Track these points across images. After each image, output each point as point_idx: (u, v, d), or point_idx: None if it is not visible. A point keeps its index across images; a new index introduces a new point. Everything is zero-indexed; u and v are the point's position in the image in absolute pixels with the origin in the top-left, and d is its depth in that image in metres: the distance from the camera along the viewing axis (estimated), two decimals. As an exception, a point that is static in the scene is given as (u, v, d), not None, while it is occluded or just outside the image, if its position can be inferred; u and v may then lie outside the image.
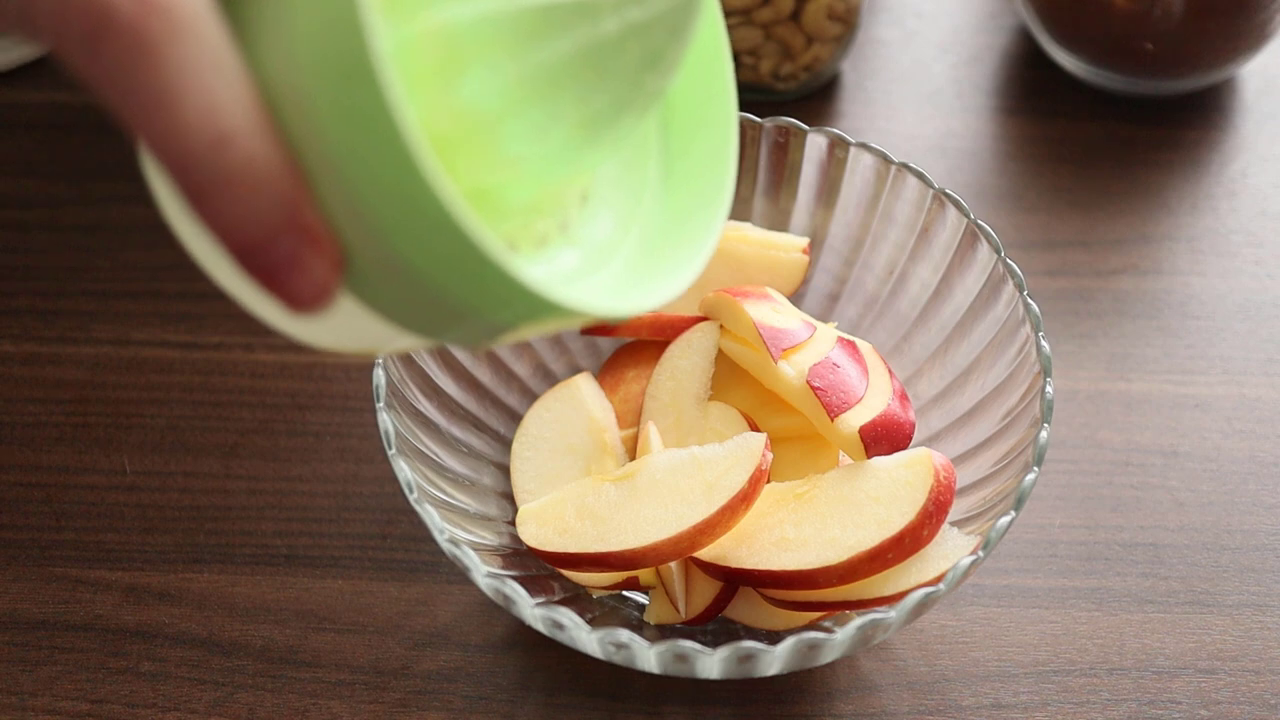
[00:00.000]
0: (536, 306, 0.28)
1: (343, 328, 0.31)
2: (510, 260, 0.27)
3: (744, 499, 0.43)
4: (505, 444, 0.52)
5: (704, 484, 0.44)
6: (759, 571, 0.44)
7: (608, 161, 0.34)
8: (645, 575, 0.47)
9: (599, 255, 0.33)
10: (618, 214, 0.34)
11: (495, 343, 0.31)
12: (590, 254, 0.33)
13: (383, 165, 0.25)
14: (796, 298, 0.55)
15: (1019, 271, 0.48)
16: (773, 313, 0.49)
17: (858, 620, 0.40)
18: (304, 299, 0.27)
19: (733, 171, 0.35)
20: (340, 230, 0.27)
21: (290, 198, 0.26)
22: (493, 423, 0.52)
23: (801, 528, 0.44)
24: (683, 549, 0.43)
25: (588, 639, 0.40)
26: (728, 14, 0.64)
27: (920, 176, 0.51)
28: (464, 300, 0.27)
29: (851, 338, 0.50)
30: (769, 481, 0.46)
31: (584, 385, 0.51)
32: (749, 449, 0.44)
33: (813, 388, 0.46)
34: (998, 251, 0.48)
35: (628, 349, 0.54)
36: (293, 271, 0.27)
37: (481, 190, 0.29)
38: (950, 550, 0.44)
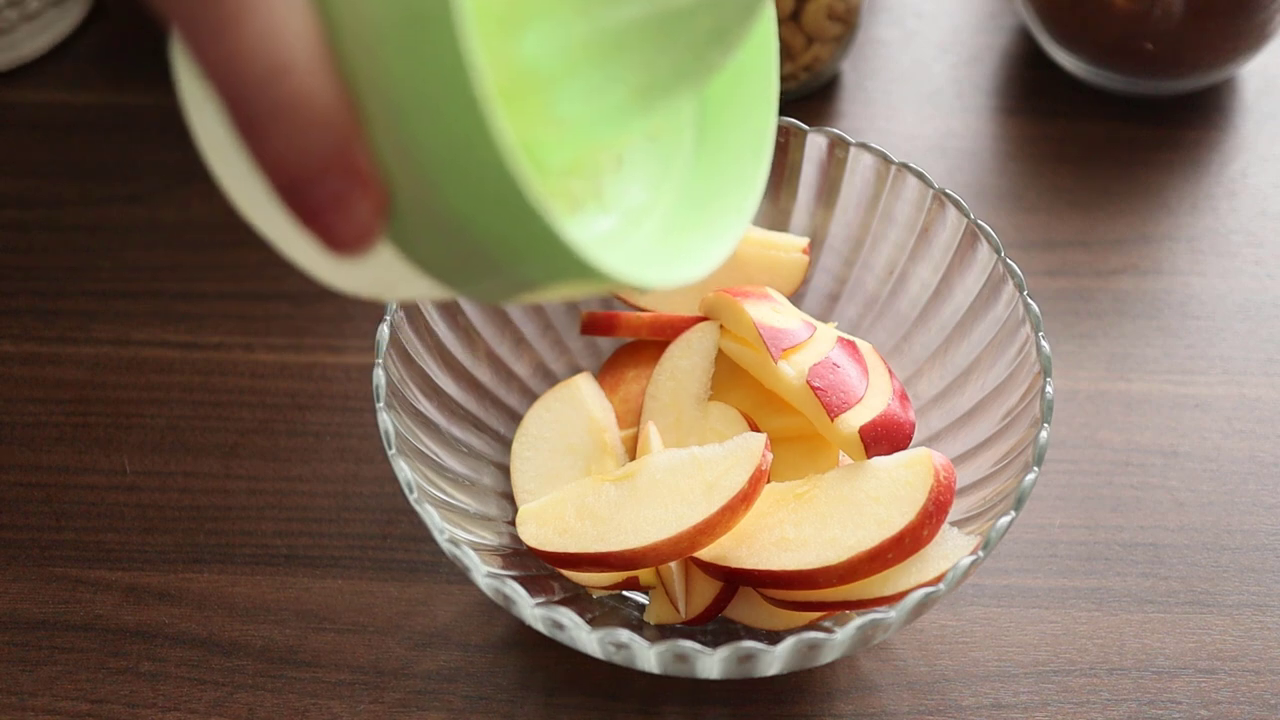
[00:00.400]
0: (572, 267, 0.27)
1: (371, 272, 0.30)
2: (556, 217, 0.26)
3: (744, 499, 0.43)
4: (505, 444, 0.52)
5: (704, 484, 0.44)
6: (759, 571, 0.44)
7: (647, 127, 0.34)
8: (645, 575, 0.47)
9: (629, 222, 0.33)
10: (649, 182, 0.34)
11: (516, 300, 0.31)
12: (622, 220, 0.33)
13: (445, 109, 0.25)
14: (796, 298, 0.55)
15: (1019, 271, 0.48)
16: (773, 313, 0.49)
17: (858, 620, 0.40)
18: (344, 241, 0.27)
19: (769, 155, 0.35)
20: (388, 174, 0.27)
21: (342, 136, 0.26)
22: (493, 423, 0.52)
23: (801, 528, 0.44)
24: (683, 549, 0.43)
25: (588, 639, 0.40)
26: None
27: (920, 176, 0.51)
28: (501, 254, 0.27)
29: (851, 338, 0.50)
30: (769, 481, 0.46)
31: (584, 385, 0.51)
32: (749, 449, 0.44)
33: (813, 388, 0.46)
34: (998, 251, 0.48)
35: (628, 349, 0.54)
36: (336, 212, 0.27)
37: (524, 145, 0.29)
38: (950, 550, 0.44)
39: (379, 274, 0.30)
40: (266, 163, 0.26)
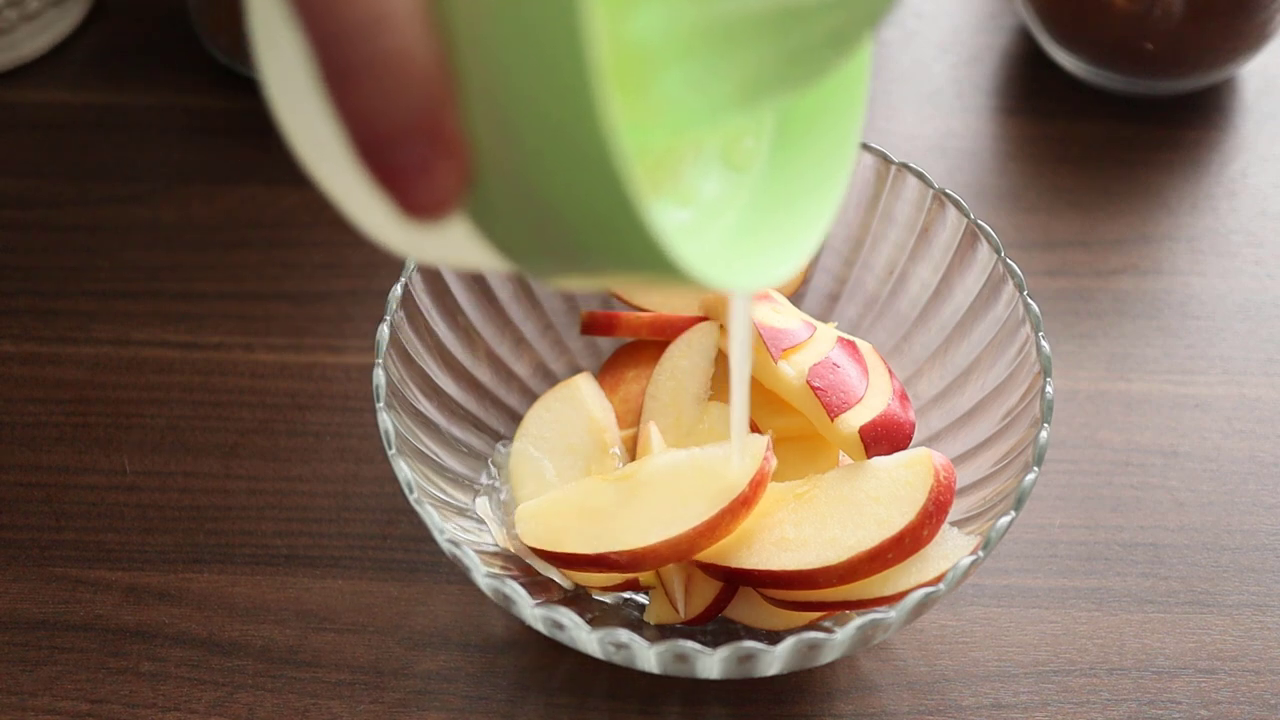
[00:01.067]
0: (652, 259, 0.26)
1: (436, 239, 0.29)
2: (648, 207, 0.25)
3: (745, 502, 0.43)
4: (505, 444, 0.52)
5: (705, 486, 0.44)
6: (759, 571, 0.44)
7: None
8: (645, 575, 0.47)
9: (706, 217, 0.32)
10: (725, 177, 0.33)
11: (577, 282, 0.30)
12: (698, 214, 0.32)
13: (552, 80, 0.23)
14: (796, 298, 0.55)
15: (1019, 271, 0.48)
16: (773, 313, 0.49)
17: (858, 620, 0.40)
18: (421, 206, 0.26)
19: (852, 164, 0.33)
20: (476, 143, 0.26)
21: (436, 97, 0.25)
22: (493, 423, 0.52)
23: (801, 528, 0.44)
24: (682, 551, 0.43)
25: (588, 639, 0.40)
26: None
27: (920, 176, 0.51)
28: (580, 236, 0.26)
29: (851, 338, 0.50)
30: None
31: (584, 385, 0.51)
32: (751, 451, 0.44)
33: (813, 388, 0.46)
34: (998, 251, 0.48)
35: (628, 349, 0.54)
36: (419, 176, 0.26)
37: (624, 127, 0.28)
38: (950, 550, 0.44)
39: (443, 242, 0.29)
40: (352, 117, 0.25)
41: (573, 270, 0.28)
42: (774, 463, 0.44)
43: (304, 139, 0.30)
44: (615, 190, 0.24)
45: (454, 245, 0.29)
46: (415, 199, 0.26)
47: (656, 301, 0.53)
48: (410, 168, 0.25)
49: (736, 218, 0.33)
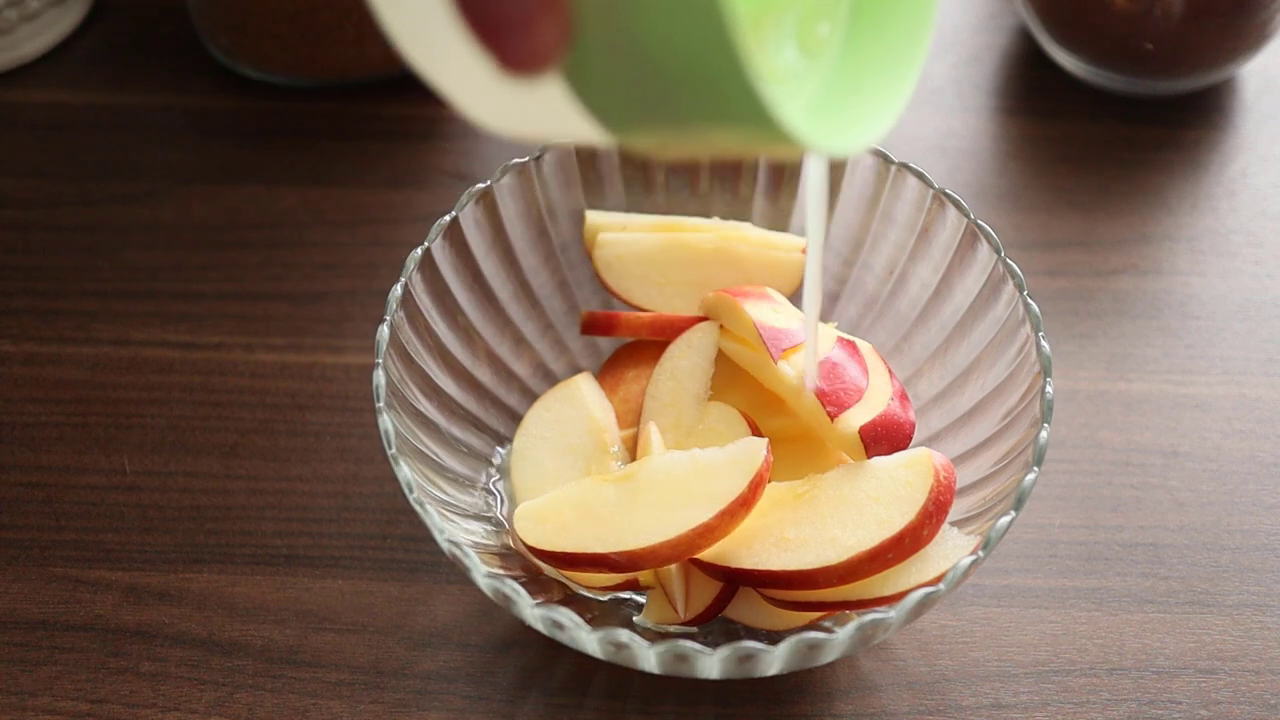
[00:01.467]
0: (753, 113, 0.26)
1: (524, 102, 0.29)
2: (753, 56, 0.25)
3: (743, 504, 0.43)
4: (505, 444, 0.52)
5: (704, 487, 0.44)
6: (759, 571, 0.44)
7: None
8: (644, 576, 0.47)
9: (787, 85, 0.32)
10: (802, 46, 0.33)
11: (667, 143, 0.29)
12: (789, 78, 0.32)
13: None
14: (797, 298, 0.55)
15: (1019, 271, 0.48)
16: (773, 313, 0.49)
17: (858, 620, 0.40)
18: (521, 61, 0.26)
19: (930, 35, 0.33)
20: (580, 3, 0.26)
21: None
22: (493, 423, 0.52)
23: (801, 528, 0.44)
24: (681, 552, 0.43)
25: (588, 639, 0.40)
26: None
27: (920, 176, 0.51)
28: (680, 89, 0.26)
29: (851, 338, 0.50)
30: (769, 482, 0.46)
31: (584, 385, 0.51)
32: (750, 454, 0.44)
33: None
34: (998, 251, 0.48)
35: (628, 349, 0.54)
36: (520, 28, 0.26)
37: None
38: (950, 550, 0.44)
39: (537, 106, 0.29)
40: None
41: (667, 126, 0.28)
42: (770, 463, 0.44)
43: (398, 7, 0.30)
44: (721, 36, 0.24)
45: (547, 109, 0.29)
46: (515, 53, 0.26)
47: (656, 302, 0.53)
48: (512, 20, 0.26)
49: (822, 86, 0.33)
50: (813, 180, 0.41)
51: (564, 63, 0.27)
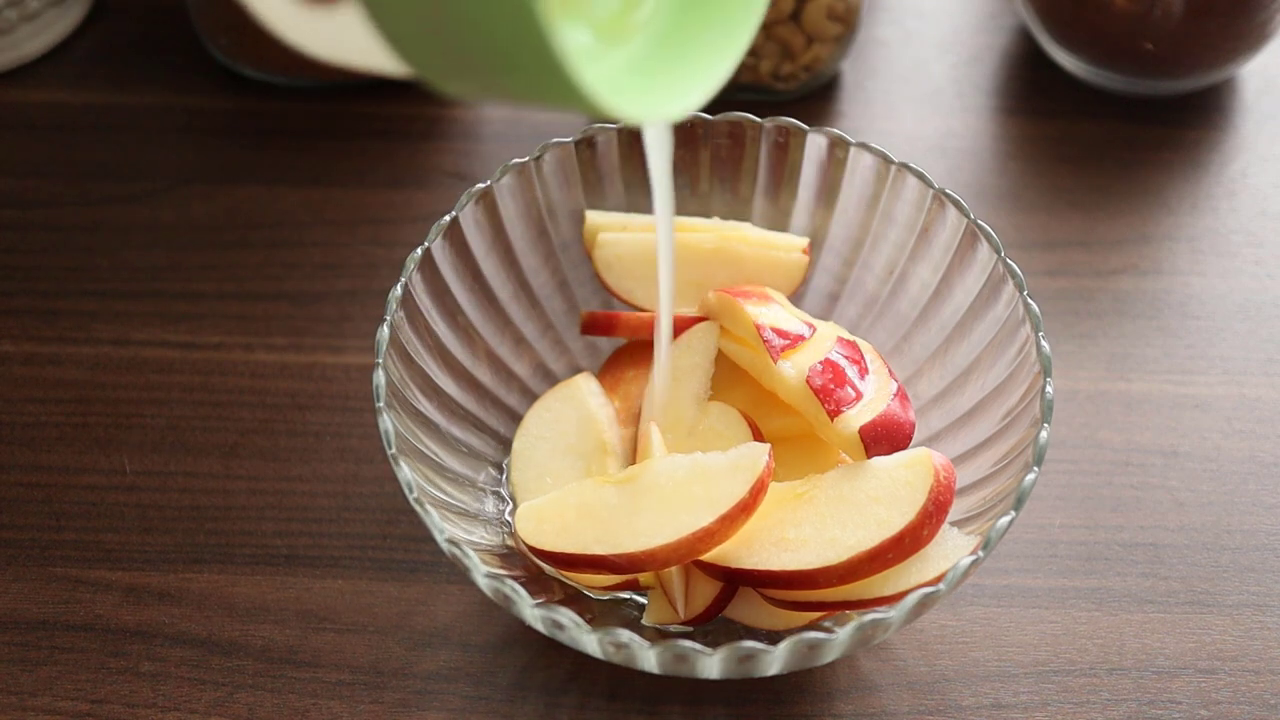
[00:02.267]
0: (547, 76, 0.25)
1: (327, 23, 0.29)
2: (552, 19, 0.24)
3: (744, 509, 0.43)
4: (505, 444, 0.52)
5: (705, 492, 0.44)
6: (759, 572, 0.44)
7: None
8: (644, 576, 0.47)
9: (606, 43, 0.31)
10: (625, 5, 0.32)
11: (460, 94, 0.29)
12: (600, 36, 0.31)
13: None
14: (796, 298, 0.55)
15: (1019, 271, 0.48)
16: (772, 313, 0.49)
17: (858, 620, 0.40)
18: None
19: (756, 22, 0.33)
20: None
21: None
22: (493, 423, 0.52)
23: (801, 528, 0.44)
24: (681, 555, 0.43)
25: (588, 639, 0.40)
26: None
27: (920, 176, 0.51)
28: (478, 45, 0.25)
29: (852, 338, 0.50)
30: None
31: (584, 385, 0.51)
32: (751, 458, 0.44)
33: (812, 388, 0.46)
34: (998, 251, 0.48)
35: (628, 349, 0.54)
36: None
37: None
38: (950, 550, 0.44)
39: (335, 28, 0.29)
40: None
41: (458, 71, 0.28)
42: (772, 467, 0.44)
43: None
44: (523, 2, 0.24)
45: (345, 33, 0.29)
46: None
47: (656, 303, 0.52)
48: None
49: (640, 47, 0.32)
50: (650, 143, 0.41)
51: None
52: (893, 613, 0.40)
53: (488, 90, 0.29)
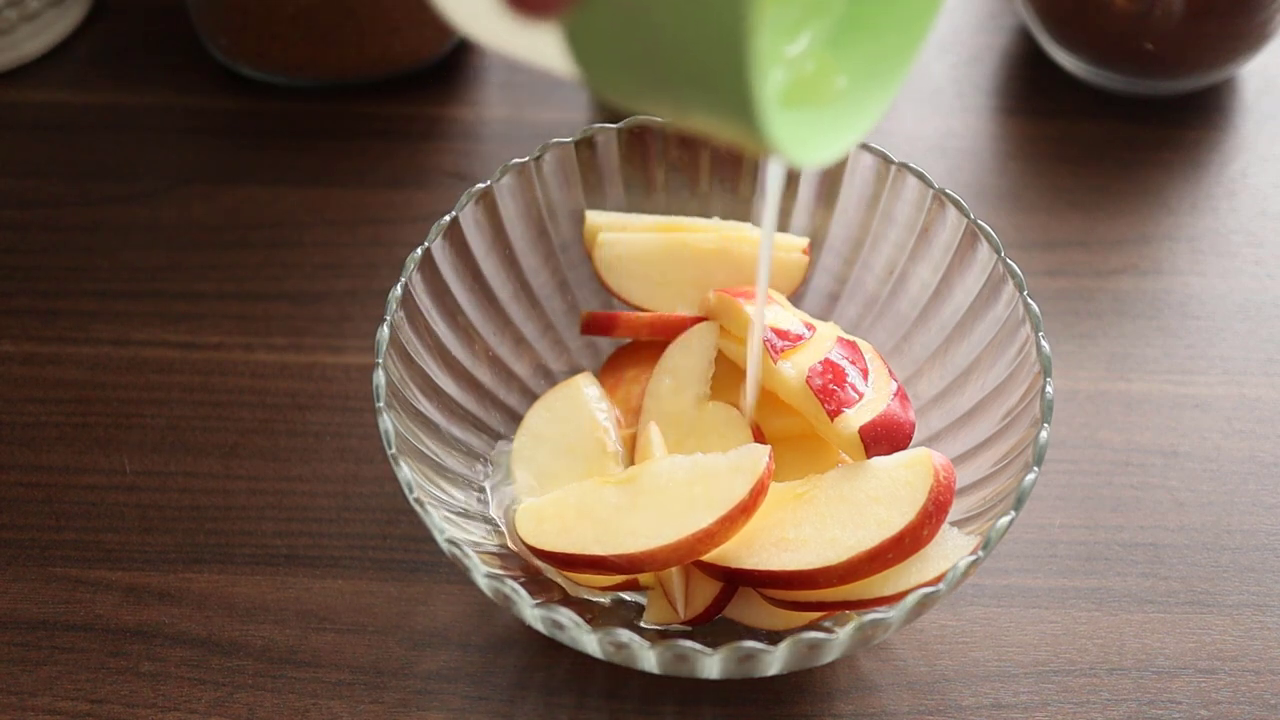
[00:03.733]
0: (740, 117, 0.26)
1: (525, 39, 0.30)
2: (761, 59, 0.25)
3: (744, 510, 0.43)
4: (505, 444, 0.52)
5: (705, 493, 0.44)
6: (759, 572, 0.44)
7: None
8: (644, 576, 0.47)
9: (801, 97, 0.32)
10: (800, 60, 0.33)
11: (631, 106, 0.30)
12: (796, 92, 0.32)
13: None
14: (796, 298, 0.55)
15: (1019, 271, 0.48)
16: (773, 313, 0.49)
17: (858, 620, 0.40)
18: (530, 5, 0.27)
19: (923, 44, 0.34)
20: None
21: None
22: (493, 423, 0.52)
23: (801, 528, 0.44)
24: (681, 556, 0.43)
25: (587, 639, 0.40)
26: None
27: (920, 176, 0.51)
28: (675, 69, 0.26)
29: (851, 338, 0.50)
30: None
31: (584, 385, 0.51)
32: (752, 459, 0.44)
33: (812, 388, 0.46)
34: (998, 251, 0.48)
35: (628, 349, 0.54)
36: None
37: None
38: (950, 550, 0.44)
39: (531, 44, 0.30)
40: None
41: (649, 96, 0.29)
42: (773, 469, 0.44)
43: None
44: (736, 36, 0.24)
45: (540, 50, 0.30)
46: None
47: (656, 302, 0.53)
48: None
49: (808, 79, 0.34)
50: (771, 180, 0.42)
51: (568, 14, 0.28)
52: (893, 613, 0.40)
53: (664, 114, 0.30)
